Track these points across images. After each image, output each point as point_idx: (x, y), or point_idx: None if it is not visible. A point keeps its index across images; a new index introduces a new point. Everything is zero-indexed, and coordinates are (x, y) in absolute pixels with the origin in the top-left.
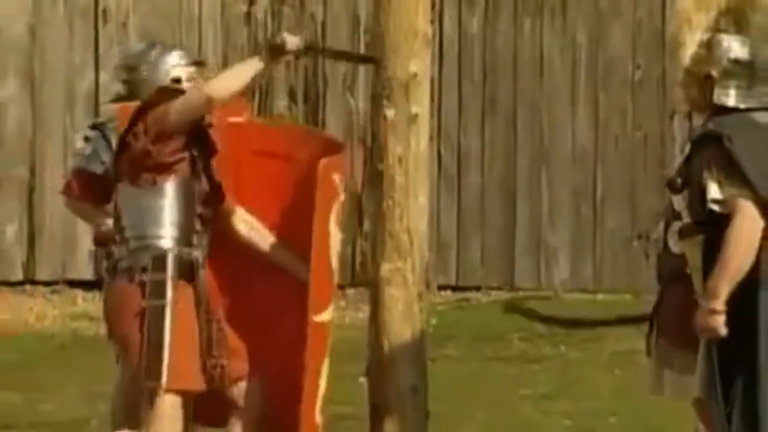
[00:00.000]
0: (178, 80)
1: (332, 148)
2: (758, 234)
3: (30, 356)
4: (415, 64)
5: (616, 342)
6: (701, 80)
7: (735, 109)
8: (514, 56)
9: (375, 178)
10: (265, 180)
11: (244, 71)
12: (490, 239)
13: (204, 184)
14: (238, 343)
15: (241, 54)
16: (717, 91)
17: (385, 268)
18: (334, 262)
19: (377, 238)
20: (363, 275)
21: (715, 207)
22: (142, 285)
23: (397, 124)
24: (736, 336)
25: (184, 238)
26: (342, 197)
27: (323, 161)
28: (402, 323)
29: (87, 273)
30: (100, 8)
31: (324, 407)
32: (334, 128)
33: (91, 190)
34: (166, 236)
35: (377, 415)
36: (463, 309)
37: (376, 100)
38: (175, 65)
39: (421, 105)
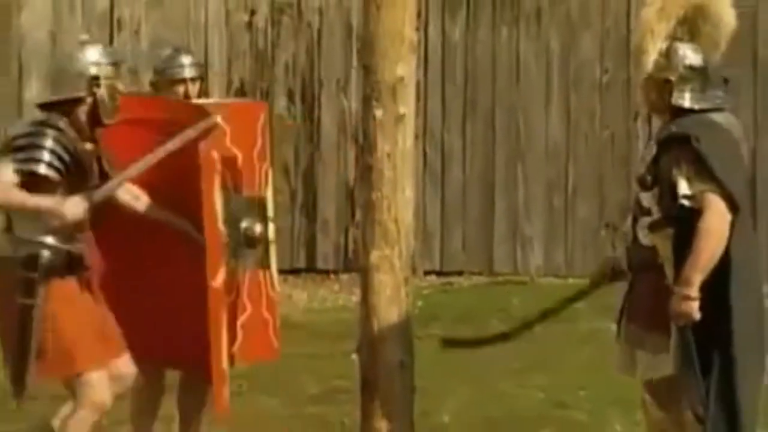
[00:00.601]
0: (96, 78)
1: (202, 115)
2: (727, 226)
3: None
4: (401, 68)
5: (586, 322)
6: (661, 85)
7: (691, 111)
8: (492, 62)
9: (365, 172)
10: (143, 149)
11: (18, 200)
12: (470, 229)
13: (94, 178)
14: (141, 317)
15: (243, 58)
16: (675, 95)
17: (375, 255)
18: (222, 228)
19: (367, 227)
20: (355, 262)
21: (686, 202)
22: (17, 282)
23: (385, 124)
24: (710, 319)
25: (65, 234)
26: (219, 167)
27: (202, 145)
28: (390, 305)
29: None
30: (115, 17)
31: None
32: (329, 126)
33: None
34: (45, 233)
35: (368, 388)
36: (447, 292)
37: (367, 101)
38: (94, 62)
39: (407, 106)
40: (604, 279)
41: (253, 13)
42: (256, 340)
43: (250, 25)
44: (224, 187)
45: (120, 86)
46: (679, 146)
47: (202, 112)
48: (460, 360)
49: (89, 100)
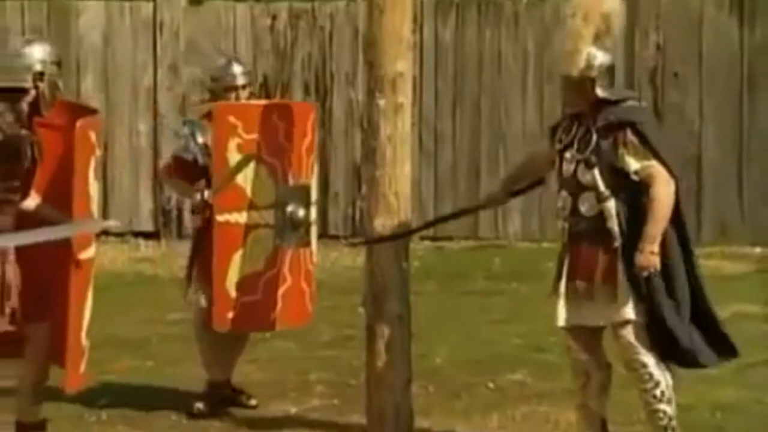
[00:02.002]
0: (41, 74)
1: (89, 112)
2: (673, 192)
3: (104, 290)
4: (400, 64)
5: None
6: (583, 82)
7: (609, 102)
8: (478, 58)
9: (370, 152)
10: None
11: None
12: (459, 200)
13: (27, 161)
14: (29, 288)
15: (266, 56)
16: (599, 90)
17: (378, 223)
18: (94, 208)
19: (371, 199)
20: (361, 228)
21: (635, 177)
22: None
23: (386, 111)
24: (674, 265)
25: None
26: (98, 152)
27: (80, 122)
28: (390, 266)
29: (148, 226)
30: (158, 21)
31: (89, 332)
32: (338, 114)
33: (185, 171)
34: None
35: (372, 336)
36: (439, 254)
37: (371, 93)
38: (41, 59)
39: (405, 96)
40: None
41: (274, 18)
42: (293, 308)
43: (272, 28)
44: (274, 175)
45: (59, 84)
46: (622, 129)
47: (86, 112)
48: (450, 312)
49: (32, 92)
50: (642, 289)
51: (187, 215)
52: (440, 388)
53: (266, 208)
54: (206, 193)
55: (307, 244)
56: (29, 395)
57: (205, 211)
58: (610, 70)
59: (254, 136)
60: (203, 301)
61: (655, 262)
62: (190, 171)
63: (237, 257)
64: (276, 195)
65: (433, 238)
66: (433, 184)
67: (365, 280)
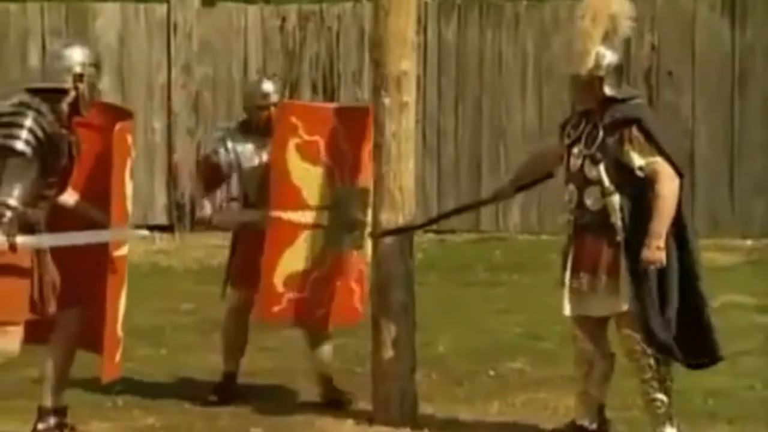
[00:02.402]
0: (81, 76)
1: (126, 115)
2: (677, 188)
3: None
4: (405, 64)
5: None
6: (591, 81)
7: (617, 100)
8: (479, 59)
9: (376, 149)
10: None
11: None
12: (462, 194)
13: (64, 158)
14: (63, 279)
15: (276, 56)
16: (606, 89)
17: (383, 217)
18: (129, 206)
19: (377, 194)
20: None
21: (640, 172)
22: None
23: (392, 109)
24: (671, 262)
25: (29, 202)
26: (133, 153)
27: (119, 125)
28: (396, 258)
29: (163, 219)
30: (172, 22)
31: (124, 324)
32: None
33: (207, 174)
34: (11, 197)
35: (378, 325)
36: (442, 247)
37: (376, 91)
38: (80, 62)
39: (409, 95)
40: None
41: (284, 19)
42: (342, 308)
43: (281, 28)
44: (330, 177)
45: (98, 85)
46: (628, 127)
47: (126, 115)
48: (452, 302)
49: (72, 93)
50: (641, 282)
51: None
52: (443, 376)
53: (320, 208)
54: (208, 209)
55: (360, 246)
56: (54, 381)
57: (203, 226)
58: (617, 69)
59: (315, 137)
60: (235, 299)
61: (661, 257)
62: (211, 175)
63: (287, 254)
64: (332, 197)
65: (436, 231)
66: (436, 179)
67: (372, 271)
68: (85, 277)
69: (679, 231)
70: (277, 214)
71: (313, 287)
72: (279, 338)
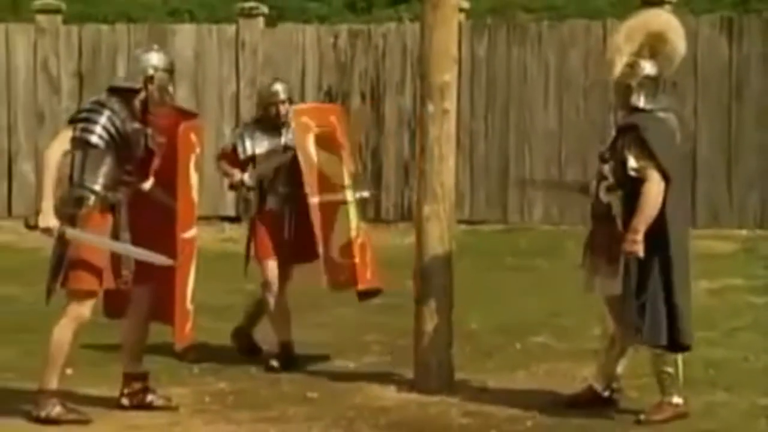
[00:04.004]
0: (152, 78)
1: (192, 116)
2: (661, 192)
3: None
4: (447, 75)
5: (574, 258)
6: (624, 89)
7: (643, 110)
8: (507, 71)
9: (421, 150)
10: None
11: (50, 164)
12: (491, 190)
13: (140, 150)
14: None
15: (330, 69)
16: (633, 97)
17: (426, 209)
18: (195, 195)
19: (420, 189)
20: (410, 214)
21: (633, 173)
22: (66, 215)
23: (435, 116)
24: (649, 256)
25: (109, 185)
26: (198, 149)
27: (183, 125)
28: (437, 245)
29: (231, 211)
30: (240, 41)
31: (193, 299)
32: (390, 118)
33: (229, 159)
34: (95, 183)
35: (419, 304)
36: (473, 236)
37: (422, 99)
38: (153, 66)
39: (450, 103)
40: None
41: (336, 37)
42: (377, 270)
43: (334, 45)
44: (340, 162)
45: (170, 88)
46: (631, 133)
47: (189, 116)
48: (484, 285)
49: (143, 92)
50: (626, 271)
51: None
52: (475, 349)
53: (343, 187)
54: (238, 174)
55: (362, 220)
56: (132, 350)
57: (240, 189)
58: (652, 80)
59: (325, 128)
60: (266, 273)
61: (638, 249)
62: (232, 160)
63: (336, 228)
64: (347, 177)
65: (468, 222)
66: (469, 175)
67: (415, 257)
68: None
69: (660, 229)
70: (316, 199)
71: (360, 253)
72: (331, 315)
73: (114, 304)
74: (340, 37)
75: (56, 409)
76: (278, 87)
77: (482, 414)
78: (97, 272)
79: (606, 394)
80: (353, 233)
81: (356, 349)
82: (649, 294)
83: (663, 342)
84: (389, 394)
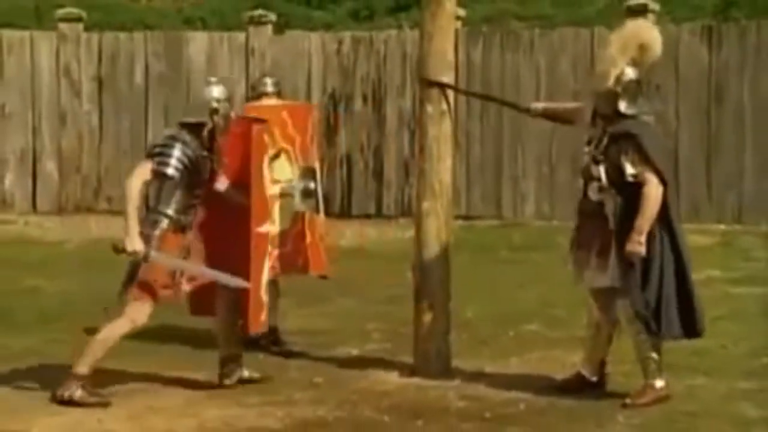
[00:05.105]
0: (215, 110)
1: (261, 122)
2: (660, 194)
3: None
4: (444, 79)
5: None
6: (611, 95)
7: (631, 116)
8: (501, 76)
9: (420, 149)
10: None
11: (131, 196)
12: (486, 187)
13: (206, 174)
14: (216, 255)
15: (334, 73)
16: (619, 103)
17: (425, 205)
18: (268, 191)
19: (420, 186)
20: (410, 210)
21: (631, 178)
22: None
23: (433, 116)
24: (659, 251)
25: (181, 209)
26: (269, 150)
27: (256, 127)
28: (435, 239)
29: None
30: (249, 47)
31: (266, 290)
32: (390, 119)
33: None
34: (168, 207)
35: (419, 295)
36: (469, 230)
37: (421, 101)
38: (216, 98)
39: (448, 104)
40: None
41: (340, 43)
42: (316, 258)
43: (338, 51)
44: (289, 159)
45: (232, 114)
46: (626, 140)
47: (255, 121)
48: (478, 278)
49: (209, 124)
50: (626, 265)
51: None
52: (471, 337)
53: (286, 182)
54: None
55: (318, 211)
56: (224, 337)
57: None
58: (635, 85)
59: (274, 128)
60: None
61: (641, 249)
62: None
63: (269, 225)
64: (292, 173)
65: (465, 217)
66: (465, 173)
67: (415, 250)
68: (233, 252)
69: (668, 227)
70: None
71: (293, 242)
72: (335, 305)
73: (198, 304)
74: (344, 44)
75: (78, 392)
76: (267, 80)
77: (478, 397)
78: (159, 286)
79: (594, 379)
80: (289, 224)
81: (359, 337)
82: (663, 288)
83: (678, 334)
84: (391, 379)
